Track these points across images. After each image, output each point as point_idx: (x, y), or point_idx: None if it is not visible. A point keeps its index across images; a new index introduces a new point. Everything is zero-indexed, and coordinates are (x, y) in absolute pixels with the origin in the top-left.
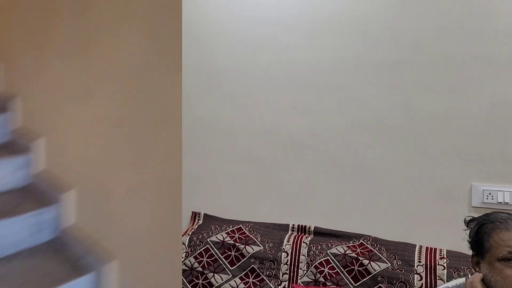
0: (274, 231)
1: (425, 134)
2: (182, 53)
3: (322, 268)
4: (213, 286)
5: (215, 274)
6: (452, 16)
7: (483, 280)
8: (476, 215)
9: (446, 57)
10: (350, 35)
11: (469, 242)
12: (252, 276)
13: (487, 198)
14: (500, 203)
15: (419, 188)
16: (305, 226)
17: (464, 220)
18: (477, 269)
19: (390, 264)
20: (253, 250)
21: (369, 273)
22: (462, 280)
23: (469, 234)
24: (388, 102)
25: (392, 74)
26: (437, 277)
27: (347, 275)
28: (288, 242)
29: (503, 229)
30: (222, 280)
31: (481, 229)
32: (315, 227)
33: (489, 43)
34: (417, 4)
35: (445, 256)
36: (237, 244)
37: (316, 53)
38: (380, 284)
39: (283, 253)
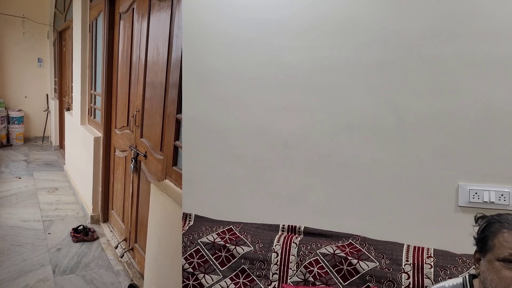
0: (265, 232)
1: (414, 134)
2: None
3: (312, 268)
4: (203, 287)
5: (205, 275)
6: (441, 18)
7: (479, 277)
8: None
9: (434, 59)
10: (340, 36)
11: (475, 238)
12: (243, 277)
13: (473, 198)
14: (486, 202)
15: (407, 188)
16: (295, 226)
17: (475, 216)
18: (477, 265)
19: (378, 263)
20: (244, 250)
21: (357, 272)
22: (459, 280)
23: (477, 230)
24: (378, 103)
25: (382, 75)
26: (425, 276)
27: (336, 275)
28: (278, 242)
29: (510, 230)
30: (213, 280)
31: (488, 227)
32: (305, 228)
33: (477, 45)
34: (407, 6)
35: (432, 255)
36: (227, 245)
37: (306, 55)
38: (368, 283)
39: (273, 253)
